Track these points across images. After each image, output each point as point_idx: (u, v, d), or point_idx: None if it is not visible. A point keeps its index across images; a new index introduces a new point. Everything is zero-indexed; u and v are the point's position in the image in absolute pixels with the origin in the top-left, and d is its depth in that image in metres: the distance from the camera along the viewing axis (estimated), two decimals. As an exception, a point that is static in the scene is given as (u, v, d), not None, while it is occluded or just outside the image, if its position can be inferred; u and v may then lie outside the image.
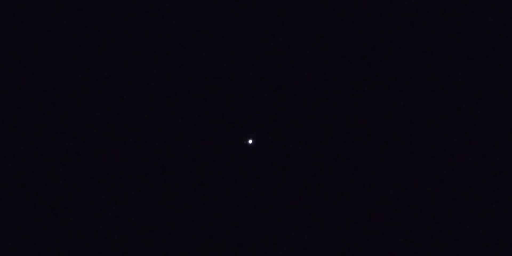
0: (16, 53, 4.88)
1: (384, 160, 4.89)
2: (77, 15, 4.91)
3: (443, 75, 4.95)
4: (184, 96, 4.92)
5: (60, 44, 4.90)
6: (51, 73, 4.89)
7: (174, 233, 4.76)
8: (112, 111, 4.87)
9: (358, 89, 4.94)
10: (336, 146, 4.91)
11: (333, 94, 4.94)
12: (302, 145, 4.91)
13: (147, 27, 4.94)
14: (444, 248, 4.73)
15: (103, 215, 4.75)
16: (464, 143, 4.88)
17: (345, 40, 4.96)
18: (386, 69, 4.96)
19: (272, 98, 4.94)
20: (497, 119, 4.87)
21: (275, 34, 4.96)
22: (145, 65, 4.93)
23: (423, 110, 4.92)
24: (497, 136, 4.86)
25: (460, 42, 4.96)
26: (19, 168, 4.78)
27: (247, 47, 4.96)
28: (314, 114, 4.93)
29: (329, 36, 4.96)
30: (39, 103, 4.85)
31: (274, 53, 4.96)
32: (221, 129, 4.91)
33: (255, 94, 4.94)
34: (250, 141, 4.79)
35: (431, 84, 4.94)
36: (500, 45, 4.93)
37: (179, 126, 4.90)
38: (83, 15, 4.92)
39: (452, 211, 4.79)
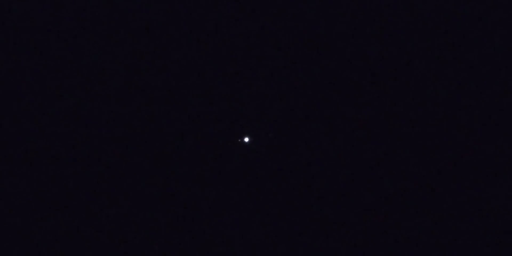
0: (16, 53, 4.89)
1: (381, 158, 4.89)
2: (77, 15, 4.93)
3: (443, 75, 4.95)
4: (180, 95, 4.93)
5: (60, 44, 4.92)
6: (50, 73, 4.90)
7: (169, 233, 4.76)
8: (107, 109, 4.88)
9: (355, 88, 4.94)
10: (334, 144, 4.91)
11: (330, 92, 4.94)
12: (299, 144, 4.91)
13: (142, 26, 4.95)
14: (444, 248, 4.73)
15: (98, 214, 4.76)
16: (464, 143, 4.88)
17: (339, 39, 4.96)
18: (384, 69, 4.96)
19: (269, 96, 4.94)
20: (498, 119, 4.87)
21: (268, 33, 4.96)
22: (142, 64, 4.94)
23: (421, 111, 4.92)
24: (497, 136, 4.86)
25: (460, 42, 4.96)
26: (19, 168, 4.80)
27: (243, 46, 4.96)
28: (311, 113, 4.93)
29: (323, 35, 4.96)
30: (39, 103, 4.87)
31: (270, 51, 4.96)
32: (217, 127, 4.91)
33: (252, 93, 4.94)
34: (247, 139, 4.78)
35: (431, 84, 4.94)
36: (500, 45, 4.93)
37: (174, 125, 4.90)
38: (83, 15, 4.93)
39: (452, 211, 4.79)
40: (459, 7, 4.93)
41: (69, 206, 4.78)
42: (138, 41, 4.94)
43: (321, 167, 4.88)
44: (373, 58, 4.96)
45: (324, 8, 4.96)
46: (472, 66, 4.93)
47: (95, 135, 4.86)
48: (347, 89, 4.95)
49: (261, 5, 4.95)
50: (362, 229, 4.78)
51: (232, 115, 4.92)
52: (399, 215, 4.80)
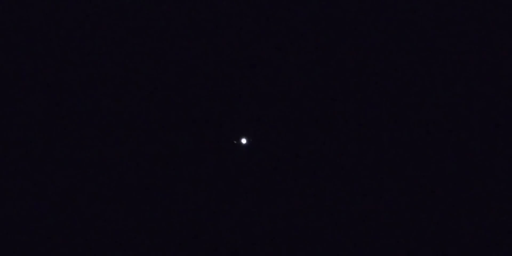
0: (16, 53, 4.90)
1: (378, 159, 4.89)
2: (77, 15, 4.93)
3: (444, 75, 4.95)
4: (176, 96, 4.92)
5: (59, 44, 4.92)
6: (50, 73, 4.91)
7: (165, 234, 4.76)
8: (103, 109, 4.88)
9: (351, 88, 4.94)
10: (330, 145, 4.91)
11: (327, 93, 4.94)
12: (296, 144, 4.91)
13: (141, 26, 4.95)
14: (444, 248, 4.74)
15: (94, 214, 4.77)
16: (465, 144, 4.88)
17: (337, 40, 4.96)
18: (383, 69, 4.96)
19: (265, 98, 4.94)
20: (498, 119, 4.87)
21: (266, 34, 4.96)
22: (138, 65, 4.94)
23: (421, 112, 4.92)
24: (497, 136, 4.86)
25: (460, 43, 4.96)
26: (19, 168, 4.80)
27: (241, 47, 4.96)
28: (308, 114, 4.93)
29: (319, 35, 4.96)
30: (39, 103, 4.88)
31: (267, 53, 4.96)
32: (213, 129, 4.90)
33: (248, 94, 4.94)
34: (244, 141, 4.78)
35: (431, 85, 4.94)
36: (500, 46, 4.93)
37: (170, 126, 4.90)
38: (83, 15, 4.94)
39: (452, 212, 4.79)
40: (459, 7, 4.93)
41: (69, 206, 4.78)
42: (136, 41, 4.94)
43: (317, 168, 4.88)
44: (370, 58, 4.96)
45: (323, 8, 4.96)
46: (473, 67, 4.93)
47: (92, 135, 4.86)
48: (343, 90, 4.95)
49: (259, 5, 4.95)
50: (360, 229, 4.78)
51: (228, 117, 4.92)
52: (398, 215, 4.80)
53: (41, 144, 4.83)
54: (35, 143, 4.82)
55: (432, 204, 4.79)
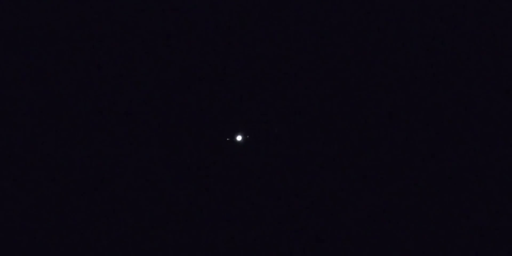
0: (16, 53, 4.90)
1: (372, 156, 4.89)
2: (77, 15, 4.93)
3: (444, 76, 4.96)
4: (172, 94, 4.92)
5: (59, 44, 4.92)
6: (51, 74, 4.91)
7: (161, 233, 4.77)
8: (98, 106, 4.88)
9: (349, 83, 4.95)
10: (326, 144, 4.92)
11: (323, 92, 4.95)
12: (291, 142, 4.92)
13: (139, 26, 4.96)
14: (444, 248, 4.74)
15: (90, 213, 4.77)
16: (464, 144, 4.89)
17: (331, 39, 4.97)
18: (381, 69, 4.97)
19: (261, 96, 4.94)
20: (498, 120, 4.88)
21: (264, 32, 4.97)
22: (135, 63, 4.94)
23: (420, 112, 4.92)
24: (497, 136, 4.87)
25: (460, 43, 4.97)
26: (19, 169, 4.80)
27: (238, 44, 4.97)
28: (304, 112, 4.93)
29: (316, 34, 4.97)
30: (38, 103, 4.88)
31: (264, 50, 4.96)
32: (209, 126, 4.90)
33: (244, 91, 4.94)
34: (239, 138, 4.77)
35: (431, 84, 4.95)
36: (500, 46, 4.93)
37: (167, 123, 4.90)
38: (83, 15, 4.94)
39: (452, 212, 4.80)
40: (459, 7, 4.94)
41: (68, 207, 4.79)
42: (132, 39, 4.95)
43: (316, 167, 4.89)
44: (366, 57, 4.97)
45: (320, 8, 4.96)
46: (473, 67, 4.94)
47: (87, 134, 4.86)
48: (341, 86, 4.96)
49: (256, 4, 4.96)
50: (360, 229, 4.79)
51: (223, 114, 4.92)
52: (398, 215, 4.80)
53: (40, 144, 4.84)
54: (35, 143, 4.83)
55: (432, 204, 4.80)
